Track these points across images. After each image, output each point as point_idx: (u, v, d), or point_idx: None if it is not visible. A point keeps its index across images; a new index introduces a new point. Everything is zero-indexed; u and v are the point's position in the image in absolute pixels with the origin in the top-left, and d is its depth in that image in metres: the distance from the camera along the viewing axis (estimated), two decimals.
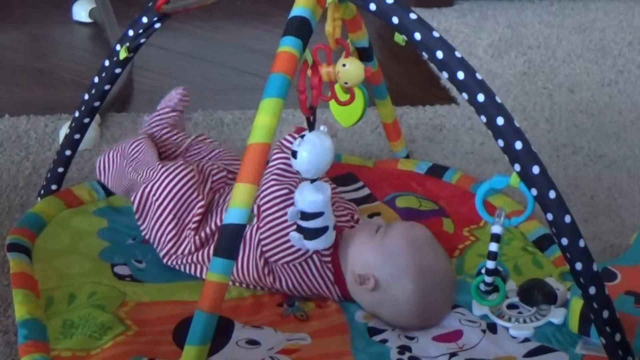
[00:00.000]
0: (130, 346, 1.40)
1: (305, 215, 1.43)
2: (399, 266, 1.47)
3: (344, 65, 1.45)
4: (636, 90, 2.29)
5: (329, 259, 1.52)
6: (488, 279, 1.45)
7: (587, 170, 1.98)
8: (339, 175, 1.83)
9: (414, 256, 1.48)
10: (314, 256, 1.51)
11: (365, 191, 1.81)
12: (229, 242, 1.29)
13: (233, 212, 1.28)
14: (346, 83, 1.47)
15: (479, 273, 1.48)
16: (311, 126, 1.41)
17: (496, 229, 1.40)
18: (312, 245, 1.46)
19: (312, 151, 1.39)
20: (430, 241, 1.53)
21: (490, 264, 1.44)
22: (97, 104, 1.68)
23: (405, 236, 1.50)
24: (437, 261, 1.50)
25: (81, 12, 2.45)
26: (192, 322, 1.28)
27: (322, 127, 1.41)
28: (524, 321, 1.50)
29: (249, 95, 2.12)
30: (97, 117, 1.92)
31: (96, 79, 1.66)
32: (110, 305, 1.47)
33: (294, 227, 1.47)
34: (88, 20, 2.44)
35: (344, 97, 1.51)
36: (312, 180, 1.42)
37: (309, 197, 1.42)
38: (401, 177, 1.86)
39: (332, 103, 1.57)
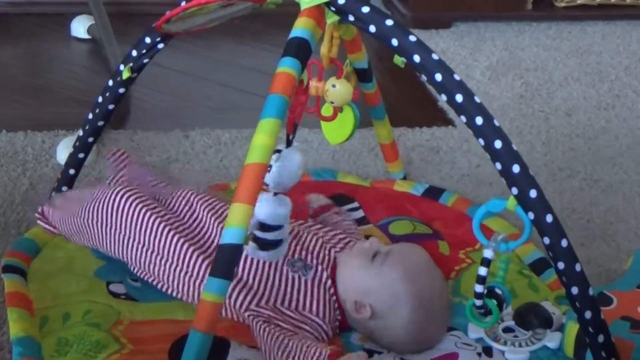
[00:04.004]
0: None
1: (264, 227, 1.41)
2: (397, 296, 1.46)
3: (333, 85, 1.46)
4: (633, 115, 2.30)
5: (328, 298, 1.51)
6: (478, 302, 1.44)
7: (583, 195, 1.98)
8: (335, 194, 1.83)
9: (413, 286, 1.47)
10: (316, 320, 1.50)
11: (360, 213, 1.80)
12: (226, 262, 1.28)
13: (229, 232, 1.28)
14: (332, 102, 1.48)
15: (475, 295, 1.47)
16: (289, 143, 1.41)
17: (487, 253, 1.39)
18: (266, 256, 1.43)
19: (282, 166, 1.39)
20: (428, 267, 1.52)
21: (479, 288, 1.42)
22: (101, 123, 1.68)
23: (403, 266, 1.48)
24: (434, 288, 1.50)
25: (79, 29, 2.45)
26: (186, 341, 1.28)
27: (294, 144, 1.42)
28: (520, 345, 1.49)
29: (246, 113, 2.12)
30: None
31: (100, 99, 1.67)
32: (105, 323, 1.47)
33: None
34: (86, 36, 2.44)
35: (327, 112, 1.51)
36: (275, 193, 1.41)
37: (271, 210, 1.40)
38: (397, 199, 1.86)
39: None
